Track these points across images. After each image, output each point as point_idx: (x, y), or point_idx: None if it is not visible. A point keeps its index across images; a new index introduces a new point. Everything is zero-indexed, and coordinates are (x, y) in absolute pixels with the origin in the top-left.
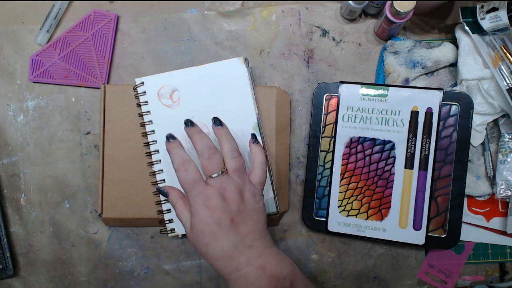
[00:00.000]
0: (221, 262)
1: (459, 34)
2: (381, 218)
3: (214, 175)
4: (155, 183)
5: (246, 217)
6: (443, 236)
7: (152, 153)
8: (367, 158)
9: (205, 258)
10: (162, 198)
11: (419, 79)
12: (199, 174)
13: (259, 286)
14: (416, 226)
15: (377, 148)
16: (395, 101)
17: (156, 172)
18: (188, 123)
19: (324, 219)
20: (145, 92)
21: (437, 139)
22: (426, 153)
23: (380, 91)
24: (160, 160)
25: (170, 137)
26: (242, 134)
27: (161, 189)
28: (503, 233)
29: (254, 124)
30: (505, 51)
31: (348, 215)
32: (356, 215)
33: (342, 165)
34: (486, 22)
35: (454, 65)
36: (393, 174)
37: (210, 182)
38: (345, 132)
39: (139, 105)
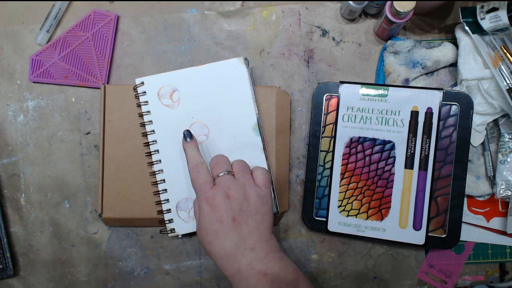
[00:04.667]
0: (223, 262)
1: (459, 34)
2: (381, 218)
3: (220, 174)
4: (155, 183)
5: (248, 217)
6: (443, 236)
7: (152, 153)
8: (367, 158)
9: (210, 257)
10: (162, 198)
11: (419, 79)
12: (210, 176)
13: None
14: (416, 226)
15: (377, 148)
16: (395, 101)
17: (156, 172)
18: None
19: (324, 219)
20: (145, 92)
21: (437, 139)
22: (426, 153)
23: (380, 91)
24: (160, 160)
25: (187, 136)
26: (242, 134)
27: None
28: (503, 233)
29: (254, 124)
30: (505, 51)
31: (348, 215)
32: (356, 215)
33: (342, 165)
34: (486, 22)
35: (454, 65)
36: (393, 174)
37: (216, 182)
38: (345, 132)
39: (139, 105)
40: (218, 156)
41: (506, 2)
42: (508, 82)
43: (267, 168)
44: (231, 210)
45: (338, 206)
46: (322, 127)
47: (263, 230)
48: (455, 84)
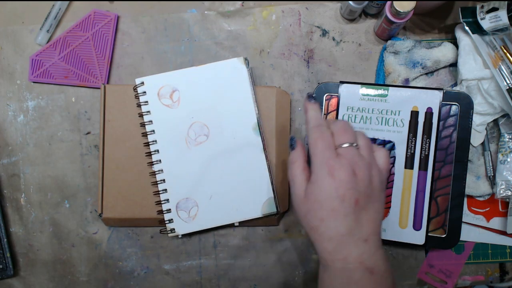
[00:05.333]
0: (330, 245)
1: (459, 34)
2: None
3: (345, 145)
4: (155, 183)
5: (370, 203)
6: (443, 236)
7: (152, 153)
8: None
9: (311, 234)
10: (162, 198)
11: (419, 79)
12: (332, 141)
13: None
14: (416, 226)
15: None
16: (395, 101)
17: (156, 172)
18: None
19: None
20: (145, 92)
21: (437, 139)
22: (426, 153)
23: (380, 91)
24: (160, 160)
25: (311, 97)
26: (242, 134)
27: (293, 139)
28: (503, 233)
29: (254, 124)
30: (505, 51)
31: None
32: None
33: None
34: (486, 22)
35: (454, 65)
36: (393, 174)
37: (340, 152)
38: None
39: (139, 105)
40: (343, 122)
41: (506, 2)
42: (508, 82)
43: (267, 169)
44: (356, 190)
45: None
46: None
47: (378, 221)
48: (455, 84)
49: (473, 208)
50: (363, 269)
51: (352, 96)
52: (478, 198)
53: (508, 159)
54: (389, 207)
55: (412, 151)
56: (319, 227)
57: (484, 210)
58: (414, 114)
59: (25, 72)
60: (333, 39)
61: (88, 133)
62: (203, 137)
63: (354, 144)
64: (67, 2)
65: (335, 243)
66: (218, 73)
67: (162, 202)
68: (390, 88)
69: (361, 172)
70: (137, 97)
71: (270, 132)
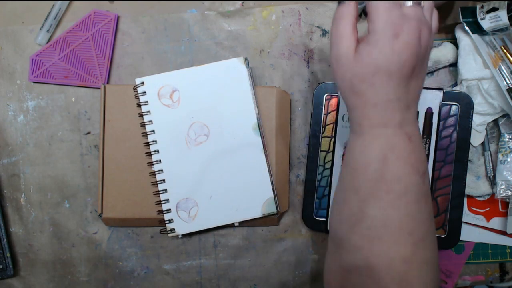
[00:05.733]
0: (373, 111)
1: (459, 34)
2: None
3: (409, 3)
4: (155, 183)
5: (421, 71)
6: (443, 236)
7: (152, 153)
8: None
9: (353, 99)
10: (162, 198)
11: None
12: None
13: (397, 156)
14: None
15: None
16: None
17: (156, 172)
18: None
19: (324, 219)
20: (145, 92)
21: (437, 139)
22: (426, 153)
23: None
24: (160, 160)
25: None
26: (242, 134)
27: None
28: (503, 233)
29: (254, 124)
30: (505, 51)
31: None
32: None
33: (342, 165)
34: (486, 22)
35: (454, 65)
36: None
37: (407, 11)
38: (345, 132)
39: (139, 105)
40: None
41: (506, 2)
42: (508, 82)
43: (267, 169)
44: (417, 56)
45: None
46: (322, 127)
47: (421, 89)
48: (455, 84)
49: (473, 208)
50: (402, 134)
51: None
52: (478, 198)
53: (508, 159)
54: None
55: None
56: (366, 92)
57: (484, 210)
58: None
59: (25, 72)
60: None
61: (88, 133)
62: (203, 137)
63: (422, 5)
64: (67, 2)
65: (379, 109)
66: (218, 73)
67: (162, 202)
68: None
69: (425, 37)
70: (137, 97)
71: (270, 132)
